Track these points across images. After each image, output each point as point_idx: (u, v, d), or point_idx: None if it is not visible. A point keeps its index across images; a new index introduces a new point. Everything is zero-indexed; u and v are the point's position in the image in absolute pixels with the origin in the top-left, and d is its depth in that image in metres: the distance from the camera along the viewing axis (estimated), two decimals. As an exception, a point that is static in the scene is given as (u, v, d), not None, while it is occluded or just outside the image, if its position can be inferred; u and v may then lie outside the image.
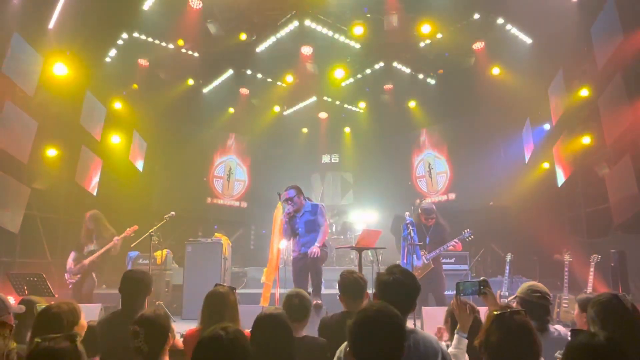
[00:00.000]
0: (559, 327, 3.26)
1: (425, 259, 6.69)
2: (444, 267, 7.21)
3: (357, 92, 12.35)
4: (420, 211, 7.00)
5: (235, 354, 2.07)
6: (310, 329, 3.74)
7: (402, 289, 2.54)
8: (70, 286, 6.82)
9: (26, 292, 5.77)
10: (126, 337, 2.62)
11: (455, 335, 2.82)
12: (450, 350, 2.74)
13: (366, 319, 2.03)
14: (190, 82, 11.40)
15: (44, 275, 5.87)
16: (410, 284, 2.57)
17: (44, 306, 3.02)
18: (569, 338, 3.96)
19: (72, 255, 6.95)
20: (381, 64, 11.10)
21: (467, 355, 2.73)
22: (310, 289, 6.27)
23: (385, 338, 1.98)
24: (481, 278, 3.13)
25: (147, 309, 2.83)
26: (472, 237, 6.81)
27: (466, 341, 2.77)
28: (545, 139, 9.51)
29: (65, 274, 6.89)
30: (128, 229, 7.17)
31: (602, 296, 2.69)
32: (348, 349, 2.13)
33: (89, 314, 4.55)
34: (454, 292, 2.97)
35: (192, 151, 12.04)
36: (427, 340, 2.41)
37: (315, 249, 6.03)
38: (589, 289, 6.64)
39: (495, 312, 2.21)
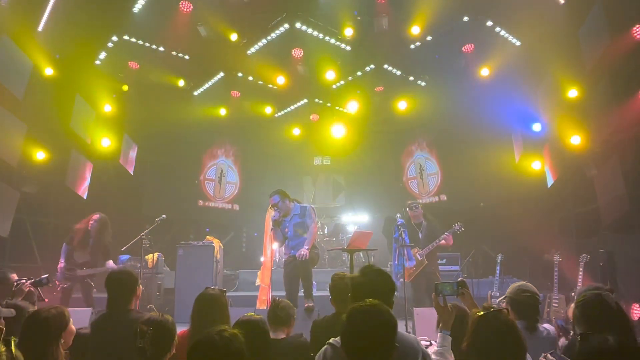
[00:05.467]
0: (548, 326, 3.30)
1: (418, 255, 6.74)
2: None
3: (348, 94, 12.35)
4: (407, 209, 7.18)
5: (229, 359, 2.04)
6: (303, 331, 3.77)
7: (375, 289, 2.55)
8: (59, 288, 6.74)
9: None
10: (114, 341, 2.58)
11: (439, 334, 2.86)
12: (436, 348, 2.78)
13: (359, 314, 2.05)
14: (181, 84, 11.35)
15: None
16: (384, 283, 2.61)
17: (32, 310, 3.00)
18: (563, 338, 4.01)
19: (64, 248, 6.86)
20: (372, 66, 11.12)
21: (452, 352, 2.76)
22: (301, 292, 6.28)
23: (377, 332, 2.00)
24: (459, 279, 3.20)
25: (153, 313, 2.80)
26: (463, 229, 6.89)
27: (450, 338, 2.81)
28: (535, 141, 9.58)
29: (57, 274, 6.76)
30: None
31: (586, 296, 2.71)
32: (340, 344, 2.14)
33: (81, 318, 4.53)
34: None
35: (183, 154, 11.99)
36: (407, 341, 2.44)
37: (303, 252, 5.99)
38: (579, 289, 6.70)
39: (479, 314, 2.23)
